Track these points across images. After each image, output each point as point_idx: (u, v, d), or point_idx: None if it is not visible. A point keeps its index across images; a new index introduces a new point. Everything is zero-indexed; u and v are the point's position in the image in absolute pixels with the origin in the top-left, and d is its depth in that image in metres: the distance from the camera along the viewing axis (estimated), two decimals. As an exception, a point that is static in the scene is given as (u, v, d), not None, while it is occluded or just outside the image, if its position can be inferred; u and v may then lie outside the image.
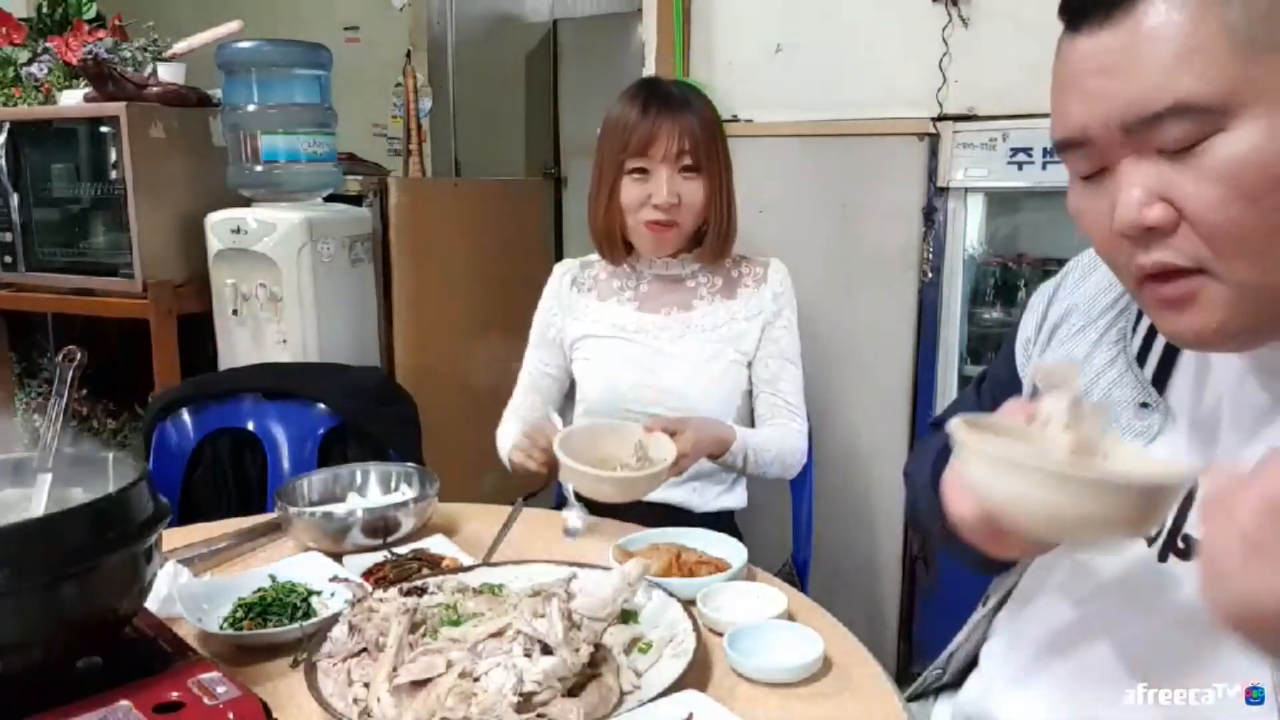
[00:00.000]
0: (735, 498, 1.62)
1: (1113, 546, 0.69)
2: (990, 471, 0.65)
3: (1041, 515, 0.63)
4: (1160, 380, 0.79)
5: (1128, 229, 0.66)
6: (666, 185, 1.48)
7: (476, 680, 0.79)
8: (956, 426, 0.67)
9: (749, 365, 1.57)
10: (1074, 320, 0.88)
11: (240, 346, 2.26)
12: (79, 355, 0.90)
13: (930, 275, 2.07)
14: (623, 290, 1.62)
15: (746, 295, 1.59)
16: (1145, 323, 0.82)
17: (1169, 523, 0.75)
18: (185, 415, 1.76)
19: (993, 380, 1.01)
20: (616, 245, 1.58)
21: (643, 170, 1.50)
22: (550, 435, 1.33)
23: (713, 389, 1.54)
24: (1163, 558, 0.75)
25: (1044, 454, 0.66)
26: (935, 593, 2.15)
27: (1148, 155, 0.65)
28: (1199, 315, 0.67)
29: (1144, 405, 0.79)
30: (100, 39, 2.40)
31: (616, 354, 1.57)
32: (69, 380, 0.89)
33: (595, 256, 1.65)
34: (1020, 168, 1.90)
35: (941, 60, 2.00)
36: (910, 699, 1.01)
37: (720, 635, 0.95)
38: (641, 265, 1.62)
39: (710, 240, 1.56)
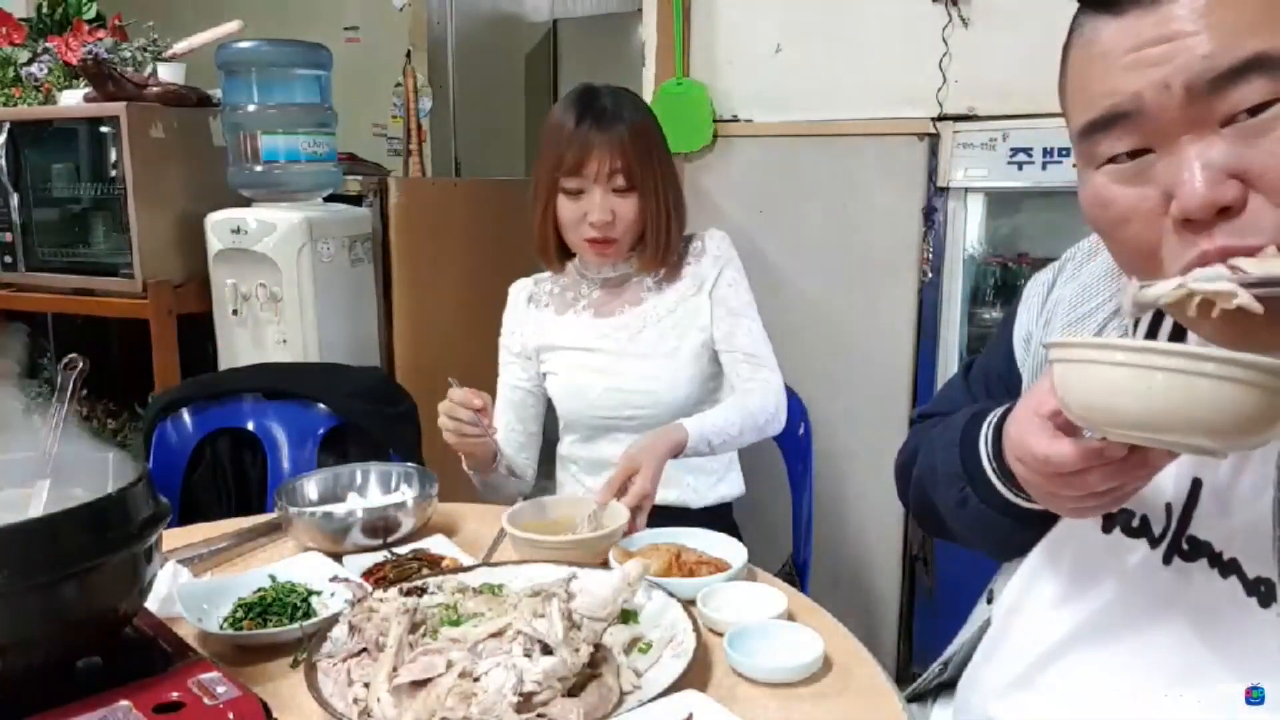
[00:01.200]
0: (731, 485, 1.62)
1: (1227, 448, 0.63)
2: (1096, 367, 0.60)
3: (1154, 407, 0.58)
4: None
5: (1198, 209, 0.62)
6: (600, 205, 1.48)
7: (476, 680, 0.79)
8: (1062, 343, 0.64)
9: (710, 345, 1.56)
10: (1070, 309, 0.87)
11: (240, 346, 2.26)
12: (81, 364, 0.90)
13: (930, 275, 2.07)
14: (576, 301, 1.63)
15: (690, 271, 1.58)
16: (1148, 314, 0.80)
17: (1174, 526, 0.75)
18: (185, 415, 1.76)
19: (984, 373, 1.00)
20: (551, 256, 1.60)
21: (577, 190, 1.50)
22: (462, 402, 1.33)
23: (679, 376, 1.54)
24: (1167, 560, 0.75)
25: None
26: (935, 593, 2.15)
27: (1208, 131, 0.62)
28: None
29: None
30: (100, 39, 2.40)
31: (581, 366, 1.58)
32: (70, 389, 0.89)
33: (548, 272, 1.67)
34: (1020, 168, 1.90)
35: (941, 60, 2.00)
36: (910, 699, 1.01)
37: (720, 635, 0.94)
38: (589, 272, 1.62)
39: (649, 252, 1.56)
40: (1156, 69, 0.63)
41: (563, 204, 1.52)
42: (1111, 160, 0.68)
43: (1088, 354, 0.62)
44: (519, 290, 1.69)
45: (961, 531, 0.93)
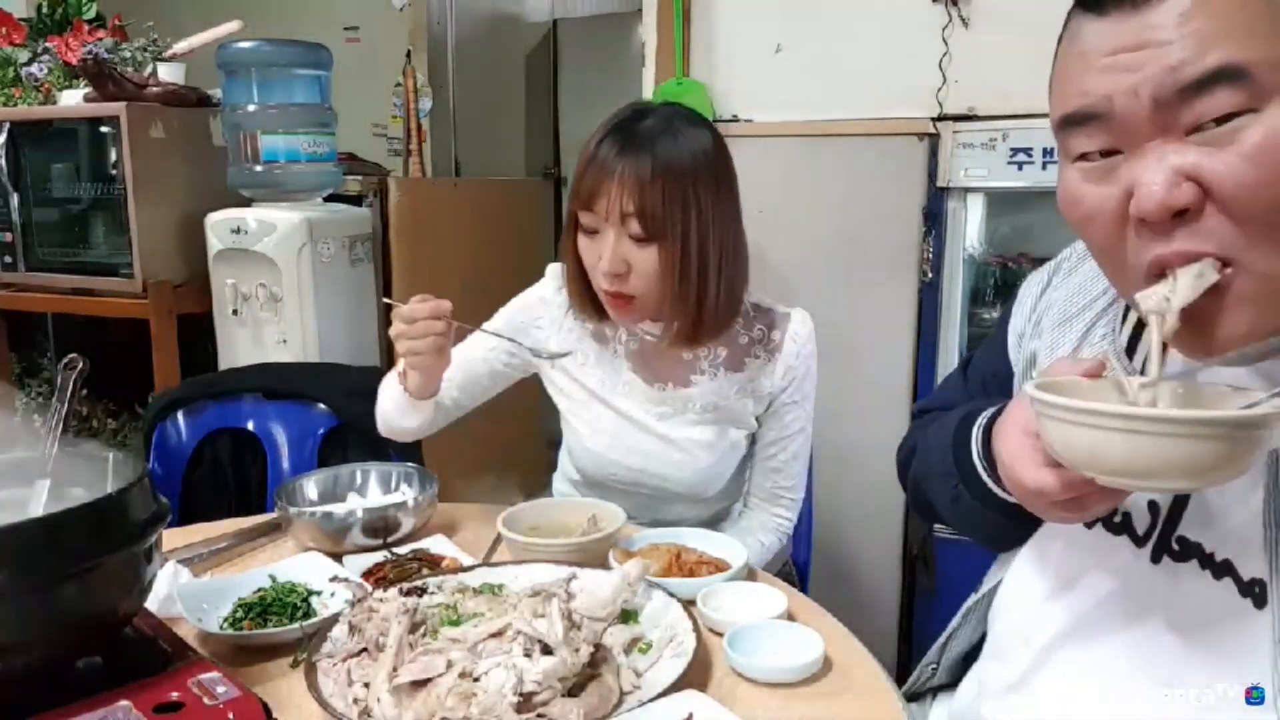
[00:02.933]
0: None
1: (1205, 486, 0.68)
2: (1071, 432, 0.63)
3: (1134, 461, 0.61)
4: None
5: (1153, 212, 0.63)
6: (611, 251, 1.21)
7: (476, 680, 0.79)
8: (1033, 390, 0.66)
9: (751, 434, 1.38)
10: (1061, 310, 0.87)
11: (240, 346, 2.26)
12: (81, 364, 0.90)
13: (930, 275, 2.07)
14: (615, 340, 1.37)
15: (755, 367, 1.33)
16: (1133, 315, 0.81)
17: (1160, 526, 0.75)
18: (185, 415, 1.76)
19: (982, 371, 1.01)
20: (585, 306, 1.32)
21: (592, 228, 1.24)
22: (434, 314, 1.19)
23: (707, 471, 1.35)
24: (1156, 559, 0.75)
25: (1128, 403, 0.65)
26: (935, 593, 2.15)
27: (1173, 137, 0.63)
28: (1225, 318, 0.64)
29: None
30: (100, 39, 2.40)
31: (604, 430, 1.36)
32: (70, 389, 0.89)
33: None
34: (1020, 168, 1.91)
35: (941, 60, 2.00)
36: (909, 698, 1.01)
37: (720, 635, 0.94)
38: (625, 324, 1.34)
39: (677, 326, 1.26)
40: (1128, 75, 0.64)
41: (581, 243, 1.26)
42: (1083, 157, 0.69)
43: (1067, 415, 0.64)
44: (558, 293, 1.38)
45: (958, 525, 0.94)
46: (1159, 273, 0.65)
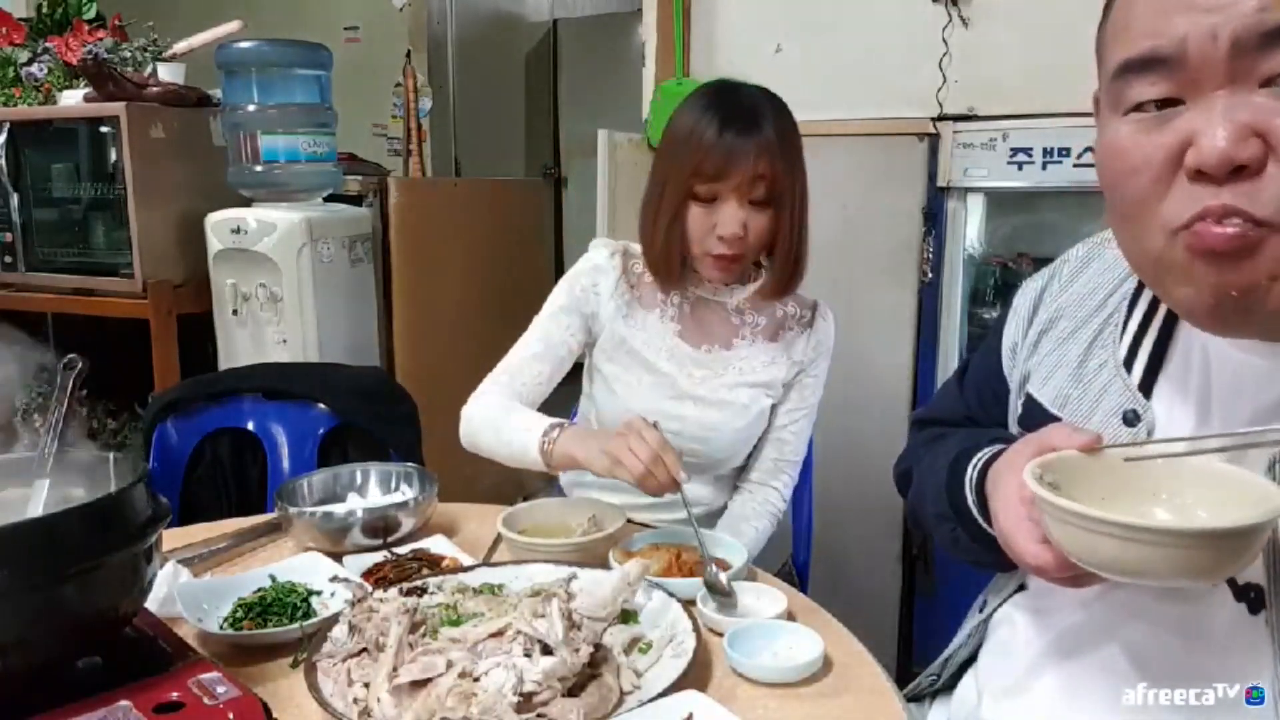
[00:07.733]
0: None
1: (1206, 583, 0.70)
2: (1066, 530, 0.64)
3: (1126, 566, 0.63)
4: (1147, 385, 0.77)
5: (1214, 164, 0.60)
6: (732, 216, 1.31)
7: (476, 680, 0.79)
8: (1031, 479, 0.66)
9: (773, 405, 1.47)
10: (1064, 324, 0.86)
11: (240, 346, 2.26)
12: (80, 364, 0.90)
13: (930, 275, 2.07)
14: (666, 304, 1.45)
15: (789, 340, 1.45)
16: (1132, 325, 0.80)
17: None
18: (185, 415, 1.76)
19: (976, 377, 1.00)
20: (674, 272, 1.40)
21: (711, 197, 1.33)
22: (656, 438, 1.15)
23: (738, 435, 1.43)
24: None
25: (1115, 509, 0.66)
26: (935, 593, 2.15)
27: (1244, 88, 0.60)
28: (1252, 269, 0.61)
29: (1129, 412, 0.77)
30: (100, 39, 2.40)
31: (644, 386, 1.43)
32: (69, 388, 0.89)
33: (637, 247, 1.46)
34: (1020, 168, 1.90)
35: (941, 60, 2.00)
36: (909, 699, 1.01)
37: (720, 635, 0.94)
38: (687, 281, 1.44)
39: (774, 277, 1.40)
40: (1207, 16, 0.61)
41: (693, 213, 1.34)
42: (1138, 108, 0.66)
43: (1069, 518, 0.64)
44: (612, 252, 1.46)
45: (960, 558, 0.93)
46: (1189, 225, 0.62)
